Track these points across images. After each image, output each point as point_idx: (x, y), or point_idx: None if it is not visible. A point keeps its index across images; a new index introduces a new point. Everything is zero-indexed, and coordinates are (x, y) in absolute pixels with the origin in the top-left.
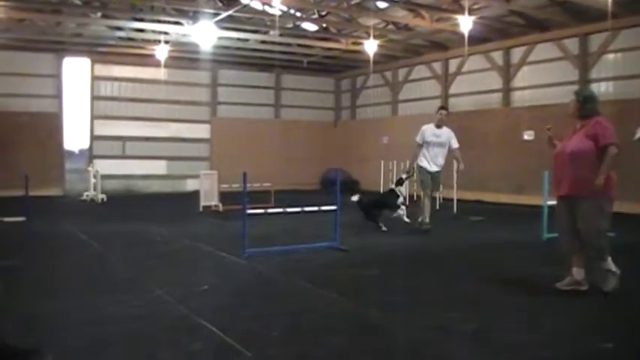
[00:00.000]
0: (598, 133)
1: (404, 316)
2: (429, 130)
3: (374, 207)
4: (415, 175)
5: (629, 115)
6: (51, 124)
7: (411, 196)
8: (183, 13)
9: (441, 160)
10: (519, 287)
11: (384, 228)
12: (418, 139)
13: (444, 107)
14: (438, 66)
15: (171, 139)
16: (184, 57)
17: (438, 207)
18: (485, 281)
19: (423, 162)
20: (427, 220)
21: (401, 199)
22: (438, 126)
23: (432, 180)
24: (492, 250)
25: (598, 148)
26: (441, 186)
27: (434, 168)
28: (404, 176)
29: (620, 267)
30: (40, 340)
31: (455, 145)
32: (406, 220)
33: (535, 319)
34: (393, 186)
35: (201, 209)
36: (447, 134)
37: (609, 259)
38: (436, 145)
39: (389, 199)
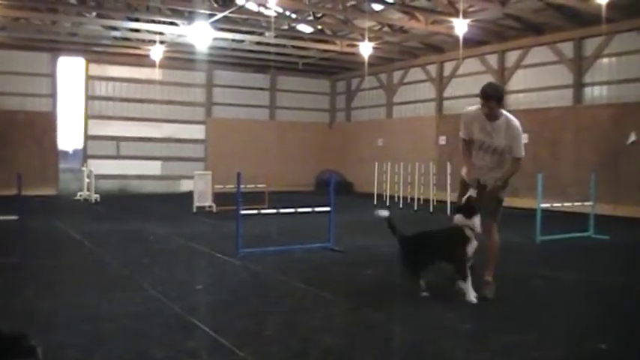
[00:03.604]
0: None
1: (400, 315)
2: (477, 121)
3: (421, 249)
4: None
5: (623, 119)
6: (45, 124)
7: None
8: (178, 14)
9: (492, 172)
10: (515, 288)
11: (424, 293)
12: (462, 132)
13: (490, 94)
14: (433, 69)
15: (166, 140)
16: (180, 57)
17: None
18: (481, 281)
19: (464, 170)
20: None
21: (473, 245)
22: (491, 117)
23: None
24: None
25: None
26: (498, 213)
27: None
28: (473, 193)
29: (617, 268)
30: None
31: (518, 153)
32: (473, 299)
33: (531, 320)
34: (459, 216)
35: (195, 210)
36: (505, 133)
37: None
38: (487, 150)
39: (449, 244)
